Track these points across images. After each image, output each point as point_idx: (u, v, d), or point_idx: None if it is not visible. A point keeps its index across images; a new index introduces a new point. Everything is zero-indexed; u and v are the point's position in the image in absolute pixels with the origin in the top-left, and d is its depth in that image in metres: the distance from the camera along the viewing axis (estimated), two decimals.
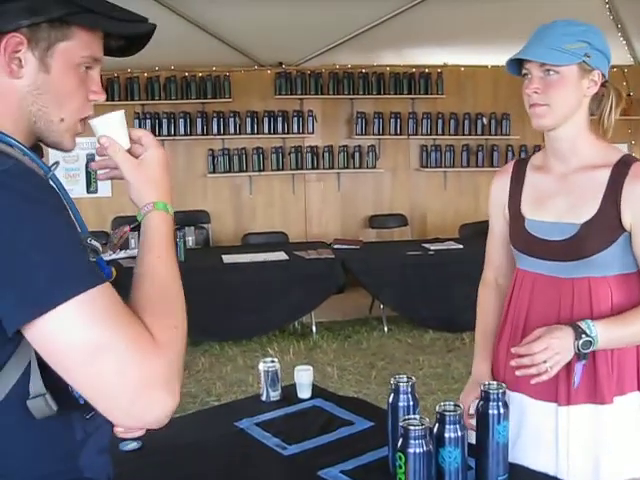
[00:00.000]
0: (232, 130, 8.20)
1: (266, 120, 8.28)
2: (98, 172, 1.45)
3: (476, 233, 7.50)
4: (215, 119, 8.14)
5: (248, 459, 2.16)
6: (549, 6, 5.57)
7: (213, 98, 8.12)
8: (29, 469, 1.22)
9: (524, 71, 2.00)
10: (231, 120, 8.17)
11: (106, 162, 1.40)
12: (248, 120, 8.22)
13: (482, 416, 1.88)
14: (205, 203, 8.19)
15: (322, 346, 6.47)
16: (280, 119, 8.30)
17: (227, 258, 6.60)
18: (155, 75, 7.90)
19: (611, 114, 2.03)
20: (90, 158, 7.96)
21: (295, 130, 8.36)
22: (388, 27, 7.01)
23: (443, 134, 8.65)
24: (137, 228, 1.36)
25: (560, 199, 2.05)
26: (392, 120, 8.51)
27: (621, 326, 1.93)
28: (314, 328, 6.82)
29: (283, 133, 8.34)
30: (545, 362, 1.85)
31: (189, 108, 8.08)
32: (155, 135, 1.41)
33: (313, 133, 8.41)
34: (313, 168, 8.45)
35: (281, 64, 8.26)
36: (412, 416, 1.80)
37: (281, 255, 6.82)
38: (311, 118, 8.36)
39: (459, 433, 1.76)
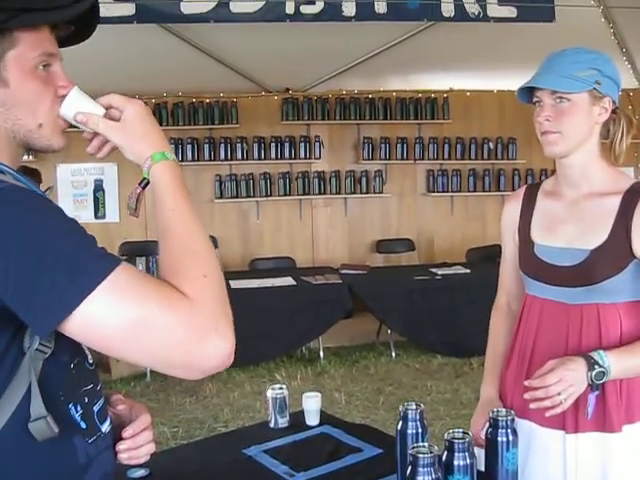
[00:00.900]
0: (239, 156, 8.22)
1: (273, 145, 8.30)
2: (101, 153, 1.38)
3: (483, 258, 7.53)
4: (222, 145, 8.16)
5: None
6: (554, 32, 5.60)
7: (220, 124, 8.15)
8: None
9: (535, 99, 2.01)
10: (238, 146, 8.20)
11: (99, 140, 1.37)
12: (255, 146, 8.25)
13: (491, 443, 1.87)
14: (212, 228, 8.20)
15: (329, 371, 6.45)
16: (287, 144, 8.33)
17: (234, 284, 6.59)
18: (163, 101, 7.94)
19: (622, 140, 2.03)
20: (98, 184, 8.03)
21: (302, 155, 8.38)
22: (394, 53, 7.05)
23: (450, 159, 8.66)
24: (146, 185, 1.34)
25: (570, 225, 2.05)
26: (399, 145, 8.53)
27: (633, 356, 1.92)
28: (322, 353, 6.80)
29: (290, 158, 8.36)
30: (559, 394, 1.84)
31: (196, 134, 8.12)
32: None
33: (320, 158, 8.43)
34: (320, 193, 8.46)
35: (288, 90, 8.30)
36: (421, 444, 1.79)
37: (288, 280, 6.82)
38: (318, 143, 8.38)
39: (468, 461, 1.75)
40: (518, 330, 2.17)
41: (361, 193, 8.54)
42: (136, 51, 6.33)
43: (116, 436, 1.42)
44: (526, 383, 1.92)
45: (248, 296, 6.41)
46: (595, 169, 2.04)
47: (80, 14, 1.29)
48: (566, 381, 1.84)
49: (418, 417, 1.96)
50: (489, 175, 8.73)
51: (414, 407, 1.97)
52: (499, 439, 1.85)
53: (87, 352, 1.35)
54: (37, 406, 1.16)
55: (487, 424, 1.94)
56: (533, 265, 2.11)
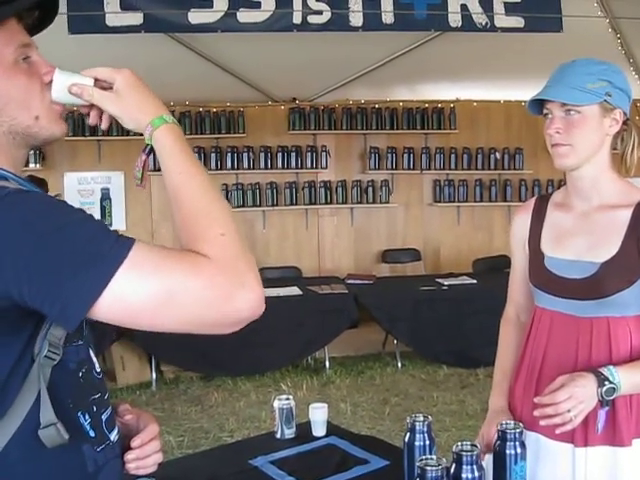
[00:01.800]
0: (246, 165, 8.23)
1: (280, 155, 8.32)
2: (103, 123, 1.36)
3: (490, 268, 7.52)
4: (229, 154, 8.18)
5: None
6: (561, 42, 5.60)
7: (227, 133, 8.17)
8: None
9: (545, 111, 1.99)
10: (245, 155, 8.21)
11: (95, 111, 1.35)
12: (262, 155, 8.27)
13: (499, 456, 1.86)
14: None
15: (335, 382, 6.43)
16: (293, 154, 8.34)
17: None
18: (170, 110, 7.94)
19: (634, 152, 2.02)
20: (105, 193, 8.04)
21: (308, 165, 8.39)
22: (401, 63, 7.07)
23: (456, 169, 8.65)
24: (150, 152, 1.33)
25: (580, 238, 2.04)
26: (405, 155, 8.54)
27: None
28: (327, 363, 6.78)
29: (296, 168, 8.36)
30: (569, 411, 1.83)
31: (203, 143, 8.12)
32: None
33: (326, 168, 8.44)
34: (326, 203, 8.46)
35: (295, 100, 8.32)
36: (429, 456, 1.78)
37: (294, 290, 6.81)
38: (324, 153, 8.39)
39: (476, 473, 1.74)
40: (527, 342, 2.15)
41: (367, 203, 8.54)
42: (143, 60, 6.32)
43: (124, 445, 1.42)
44: (536, 400, 1.90)
45: None
46: (606, 181, 2.03)
47: None
48: (576, 398, 1.82)
49: (426, 429, 1.95)
50: (496, 185, 8.72)
51: (421, 419, 1.96)
52: (507, 452, 1.84)
53: (95, 361, 1.35)
54: (47, 413, 1.16)
55: (495, 436, 1.93)
56: (543, 277, 2.09)
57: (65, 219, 1.11)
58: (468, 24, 5.78)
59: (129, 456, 1.42)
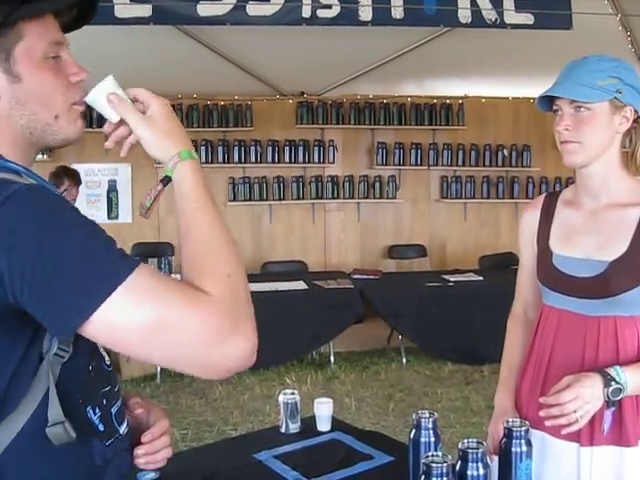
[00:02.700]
0: (253, 159, 8.23)
1: (287, 149, 8.32)
2: (123, 150, 1.35)
3: (496, 265, 7.52)
4: (236, 147, 8.17)
5: None
6: (571, 39, 5.57)
7: (235, 127, 8.17)
8: None
9: (555, 107, 1.98)
10: (252, 149, 8.21)
11: (120, 132, 1.34)
12: (269, 149, 8.26)
13: (505, 454, 1.85)
14: None
15: (340, 376, 6.43)
16: (301, 148, 8.33)
17: None
18: (177, 103, 7.94)
19: None
20: (112, 185, 8.04)
21: (316, 159, 8.39)
22: (409, 58, 7.04)
23: (464, 165, 8.64)
24: (167, 183, 1.32)
25: (589, 236, 2.03)
26: (413, 151, 8.53)
27: None
28: (332, 358, 6.79)
29: (304, 162, 8.36)
30: (575, 412, 1.82)
31: (211, 136, 8.12)
32: None
33: (334, 163, 8.43)
34: (333, 198, 8.46)
35: (303, 94, 8.31)
36: (435, 452, 1.77)
37: (300, 284, 6.82)
38: (332, 148, 8.39)
39: (482, 471, 1.73)
40: (534, 340, 2.14)
41: (374, 198, 8.53)
42: (152, 52, 6.34)
43: (133, 438, 1.41)
44: (541, 400, 1.89)
45: (259, 299, 6.31)
46: (615, 179, 2.01)
47: None
48: (582, 398, 1.82)
49: (431, 425, 1.94)
50: (503, 182, 8.70)
51: (427, 415, 1.95)
52: (513, 450, 1.83)
53: (104, 353, 1.34)
54: (55, 411, 1.15)
55: (501, 434, 1.92)
56: (551, 275, 2.08)
57: (71, 231, 1.09)
58: (478, 20, 5.75)
59: (139, 451, 1.42)
